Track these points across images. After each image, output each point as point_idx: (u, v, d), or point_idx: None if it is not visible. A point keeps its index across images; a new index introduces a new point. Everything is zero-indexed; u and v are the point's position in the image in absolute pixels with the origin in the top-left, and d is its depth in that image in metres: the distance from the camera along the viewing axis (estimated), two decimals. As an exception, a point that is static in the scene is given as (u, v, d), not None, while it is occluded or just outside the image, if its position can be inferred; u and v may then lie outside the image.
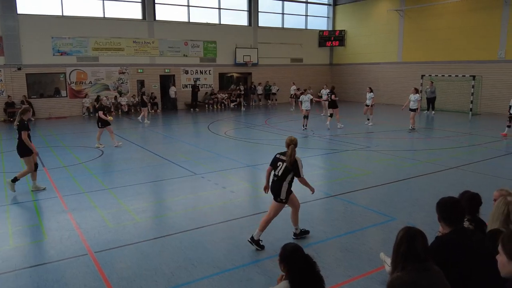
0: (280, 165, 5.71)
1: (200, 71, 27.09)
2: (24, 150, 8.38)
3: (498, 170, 10.16)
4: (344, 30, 31.41)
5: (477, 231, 3.91)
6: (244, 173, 10.39)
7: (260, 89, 29.04)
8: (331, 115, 17.31)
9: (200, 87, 26.63)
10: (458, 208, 3.39)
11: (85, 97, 23.41)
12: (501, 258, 2.13)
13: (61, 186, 8.86)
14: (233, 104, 27.26)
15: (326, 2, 32.37)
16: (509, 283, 2.17)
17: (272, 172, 5.86)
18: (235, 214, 7.21)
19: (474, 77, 21.45)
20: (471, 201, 4.12)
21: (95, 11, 23.39)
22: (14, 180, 8.42)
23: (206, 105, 26.48)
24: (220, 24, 27.64)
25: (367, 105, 18.05)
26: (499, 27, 22.06)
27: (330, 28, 32.34)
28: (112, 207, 7.60)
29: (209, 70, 27.41)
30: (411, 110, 16.30)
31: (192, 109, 25.54)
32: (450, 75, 22.64)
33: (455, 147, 13.14)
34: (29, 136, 8.43)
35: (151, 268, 5.19)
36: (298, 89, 27.89)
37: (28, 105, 8.73)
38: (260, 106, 28.57)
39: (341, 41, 31.56)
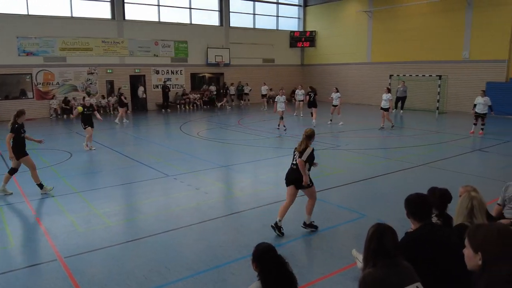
0: (295, 154, 6.44)
1: (171, 71, 26.83)
2: (19, 151, 8.35)
3: (464, 166, 10.51)
4: (315, 31, 31.77)
5: (445, 226, 4.05)
6: (218, 173, 10.35)
7: (232, 89, 29.02)
8: (312, 114, 18.16)
9: (171, 87, 26.36)
10: (426, 204, 3.51)
11: (52, 98, 22.78)
12: (467, 251, 2.21)
13: (29, 190, 8.59)
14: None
15: (297, 3, 32.65)
16: (475, 276, 2.25)
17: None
18: (209, 215, 7.18)
19: (440, 76, 22.12)
20: (442, 197, 4.26)
21: (63, 10, 22.79)
22: (41, 186, 8.41)
23: (178, 106, 26.26)
24: (191, 24, 27.44)
25: (334, 105, 18.40)
26: (463, 28, 22.81)
27: (301, 29, 32.65)
28: (81, 211, 7.44)
29: (181, 70, 27.18)
30: (383, 109, 16.77)
31: (163, 110, 25.27)
32: (418, 75, 23.26)
33: (423, 145, 13.50)
34: (21, 139, 8.37)
35: (123, 272, 5.11)
36: (270, 89, 28.11)
37: (22, 108, 8.80)
38: (232, 106, 28.54)
39: (311, 42, 31.90)
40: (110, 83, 24.74)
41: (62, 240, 6.11)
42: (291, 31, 32.14)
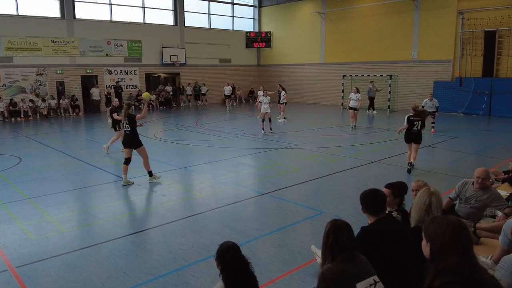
0: (416, 123, 9.69)
1: (125, 71, 26.20)
2: (139, 141, 9.17)
3: (415, 162, 10.94)
4: (270, 31, 32.07)
5: (399, 220, 4.23)
6: (176, 175, 10.23)
7: (189, 90, 28.76)
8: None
9: (124, 87, 25.73)
10: (378, 198, 3.64)
11: (-2, 100, 21.65)
12: (423, 242, 2.32)
13: (-26, 199, 8.13)
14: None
15: (252, 4, 32.81)
16: (426, 265, 2.36)
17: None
18: (167, 218, 7.09)
19: (390, 76, 22.96)
20: (400, 188, 4.48)
21: (7, 8, 21.69)
22: (150, 173, 9.26)
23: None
24: (145, 23, 26.94)
25: (282, 103, 19.10)
26: (411, 29, 23.81)
27: (256, 30, 32.85)
28: (33, 218, 7.13)
29: (135, 70, 26.60)
30: (352, 108, 16.72)
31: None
32: (369, 75, 24.02)
33: (375, 142, 13.98)
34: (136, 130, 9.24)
35: (79, 280, 4.95)
36: (238, 89, 28.42)
37: (129, 101, 9.47)
38: (189, 107, 28.29)
39: (267, 43, 32.19)
40: (61, 84, 23.82)
41: (13, 249, 5.83)
42: (247, 32, 32.28)
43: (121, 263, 5.36)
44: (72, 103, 23.72)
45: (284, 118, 19.38)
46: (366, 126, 17.90)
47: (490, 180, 7.14)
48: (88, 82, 25.02)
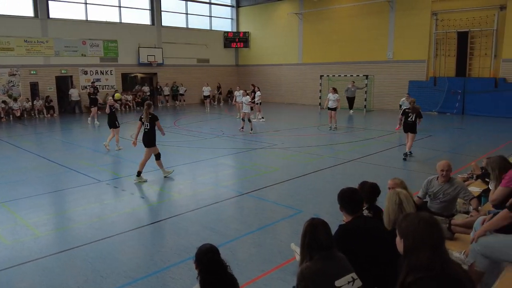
0: (411, 115, 11.03)
1: (101, 71, 25.79)
2: (154, 141, 9.29)
3: (390, 161, 11.16)
4: (248, 32, 32.09)
5: (374, 218, 4.30)
6: (153, 177, 10.09)
7: (167, 90, 28.50)
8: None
9: (100, 88, 25.29)
10: (356, 197, 3.70)
11: (-32, 102, 20.99)
12: (397, 238, 2.37)
13: None
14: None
15: (230, 4, 32.76)
16: (399, 260, 2.42)
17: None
18: (145, 220, 7.02)
19: (367, 76, 23.27)
20: (371, 191, 4.49)
21: (-23, 7, 21.10)
22: (139, 173, 9.16)
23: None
24: (121, 22, 26.57)
25: (257, 103, 19.22)
26: (387, 30, 24.20)
27: (234, 30, 32.81)
28: (7, 222, 6.95)
29: (111, 71, 26.20)
30: (330, 109, 16.53)
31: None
32: (346, 75, 24.28)
33: (352, 141, 14.16)
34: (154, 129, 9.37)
35: (55, 285, 4.85)
36: (218, 87, 28.48)
37: (150, 102, 9.75)
38: (167, 107, 28.05)
39: (245, 43, 32.19)
40: (35, 84, 23.27)
41: (-15, 255, 5.68)
42: (225, 32, 32.21)
43: (98, 267, 5.28)
44: (46, 104, 23.22)
45: (262, 117, 19.45)
46: (343, 125, 18.10)
47: (466, 176, 7.36)
48: (63, 82, 24.52)
